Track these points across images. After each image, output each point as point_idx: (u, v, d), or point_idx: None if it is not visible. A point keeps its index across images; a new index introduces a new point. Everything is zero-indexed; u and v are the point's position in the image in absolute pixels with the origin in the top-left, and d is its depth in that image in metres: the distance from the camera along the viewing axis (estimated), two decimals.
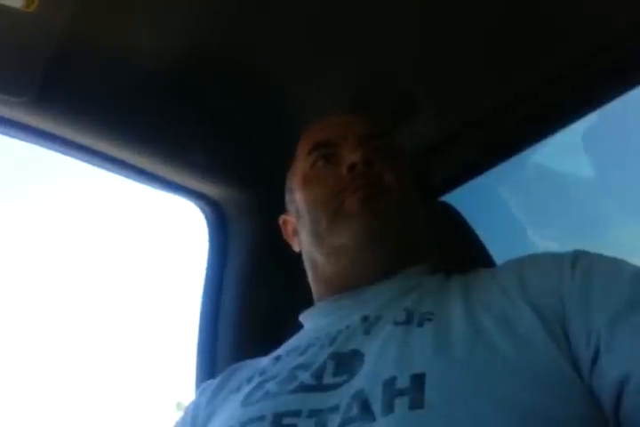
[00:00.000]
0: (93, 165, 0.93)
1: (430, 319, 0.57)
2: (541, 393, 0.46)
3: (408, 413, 0.45)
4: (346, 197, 0.69)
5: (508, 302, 0.55)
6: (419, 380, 0.48)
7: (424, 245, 0.75)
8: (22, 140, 0.85)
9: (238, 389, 0.64)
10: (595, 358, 0.47)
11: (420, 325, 0.56)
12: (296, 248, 0.81)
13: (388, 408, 0.47)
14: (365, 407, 0.48)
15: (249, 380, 0.64)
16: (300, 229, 0.77)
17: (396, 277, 0.68)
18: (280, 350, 0.69)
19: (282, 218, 0.84)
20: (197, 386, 0.93)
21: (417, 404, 0.46)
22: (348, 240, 0.68)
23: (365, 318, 0.62)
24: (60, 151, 0.88)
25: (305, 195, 0.74)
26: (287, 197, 0.82)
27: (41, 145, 0.86)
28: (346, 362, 0.55)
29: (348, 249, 0.68)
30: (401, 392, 0.47)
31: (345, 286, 0.70)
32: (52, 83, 0.79)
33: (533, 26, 0.86)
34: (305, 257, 0.78)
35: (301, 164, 0.78)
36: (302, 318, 0.75)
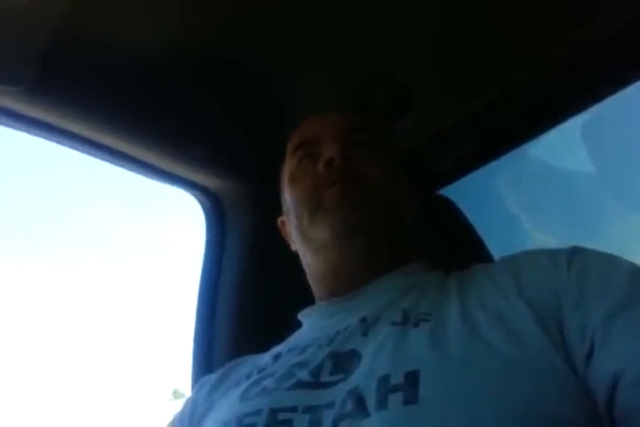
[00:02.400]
0: (91, 155, 0.92)
1: (427, 320, 0.57)
2: (536, 389, 0.46)
3: (401, 408, 0.46)
4: (324, 193, 0.69)
5: (503, 298, 0.56)
6: (413, 376, 0.48)
7: (415, 240, 0.75)
8: (19, 129, 0.84)
9: (237, 384, 0.65)
10: (589, 354, 0.48)
11: (417, 325, 0.56)
12: (293, 247, 0.81)
13: (382, 404, 0.47)
14: (360, 403, 0.48)
15: (248, 376, 0.65)
16: (290, 227, 0.77)
17: (392, 276, 0.68)
18: (280, 348, 0.70)
19: (280, 219, 0.84)
20: (194, 379, 0.94)
21: (410, 399, 0.46)
22: (327, 235, 0.68)
23: (364, 320, 0.63)
24: (56, 141, 0.88)
25: (290, 193, 0.75)
26: (281, 197, 0.83)
27: (38, 135, 0.86)
28: (343, 361, 0.56)
29: (329, 244, 0.68)
30: (395, 388, 0.48)
31: (339, 284, 0.70)
32: (49, 72, 0.79)
33: (532, 20, 0.86)
34: (301, 257, 0.78)
35: (288, 163, 0.78)
36: (301, 316, 0.75)
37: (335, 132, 0.75)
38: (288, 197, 0.76)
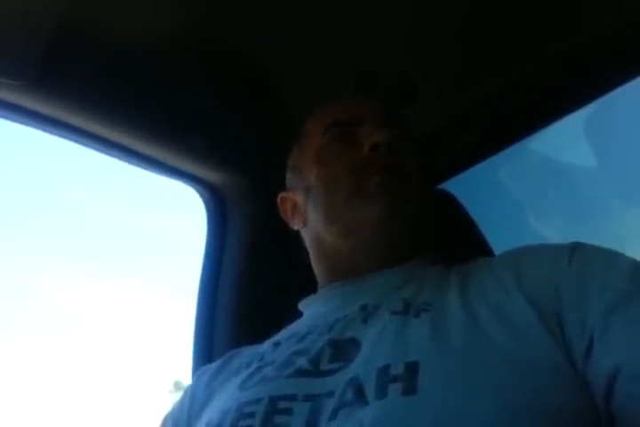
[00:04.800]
0: (92, 148, 0.92)
1: (427, 310, 0.57)
2: (535, 383, 0.46)
3: (400, 398, 0.46)
4: (367, 178, 0.68)
5: (503, 292, 0.56)
6: (412, 367, 0.48)
7: (429, 232, 0.75)
8: (21, 123, 0.84)
9: (237, 373, 0.65)
10: (589, 349, 0.48)
11: (417, 315, 0.57)
12: (295, 226, 0.79)
13: (381, 394, 0.47)
14: (359, 393, 0.49)
15: (247, 365, 0.65)
16: (310, 207, 0.75)
17: (398, 268, 0.68)
18: (279, 336, 0.70)
19: (280, 195, 0.82)
20: (194, 370, 0.94)
21: (410, 390, 0.46)
22: (367, 218, 0.67)
23: (364, 308, 0.63)
24: (58, 135, 0.88)
25: (320, 171, 0.73)
26: (290, 175, 0.81)
27: (40, 128, 0.86)
28: (342, 349, 0.56)
29: (365, 227, 0.68)
30: (394, 379, 0.48)
31: (349, 269, 0.70)
32: (51, 66, 0.78)
33: (535, 12, 0.86)
34: (310, 237, 0.77)
35: (314, 140, 0.76)
36: (301, 305, 0.75)
37: (378, 119, 0.74)
38: (316, 175, 0.73)
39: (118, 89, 0.88)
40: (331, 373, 0.53)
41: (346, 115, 0.76)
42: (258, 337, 0.73)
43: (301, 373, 0.55)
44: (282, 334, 0.70)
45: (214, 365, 0.72)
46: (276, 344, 0.67)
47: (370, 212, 0.67)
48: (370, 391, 0.48)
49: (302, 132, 0.81)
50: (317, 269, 0.76)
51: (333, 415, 0.48)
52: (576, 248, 0.57)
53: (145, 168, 1.00)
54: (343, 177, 0.70)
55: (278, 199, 0.82)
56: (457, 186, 1.07)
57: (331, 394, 0.50)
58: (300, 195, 0.77)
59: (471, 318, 0.53)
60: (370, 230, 0.68)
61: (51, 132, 0.87)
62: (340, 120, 0.75)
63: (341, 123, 0.75)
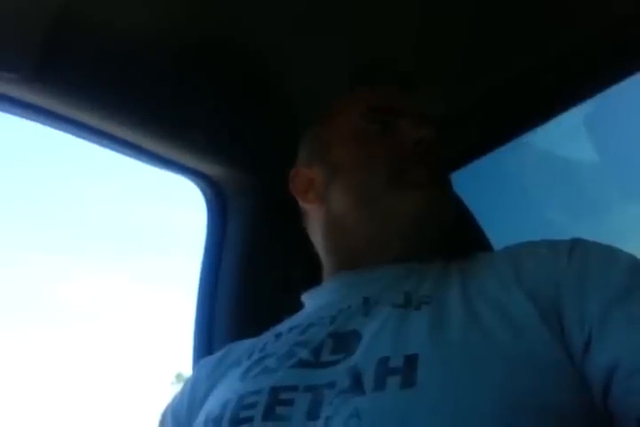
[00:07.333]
0: (91, 141, 0.92)
1: (427, 303, 0.57)
2: (533, 378, 0.46)
3: (399, 391, 0.46)
4: (410, 169, 0.68)
5: (503, 288, 0.56)
6: (412, 360, 0.49)
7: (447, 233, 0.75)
8: (18, 116, 0.84)
9: (238, 363, 0.65)
10: (587, 344, 0.48)
11: (418, 308, 0.57)
12: (306, 203, 0.77)
13: (380, 386, 0.47)
14: (357, 382, 0.49)
15: (249, 355, 0.65)
16: (335, 186, 0.72)
17: (404, 264, 0.68)
18: (281, 327, 0.70)
19: (295, 170, 0.79)
20: (194, 362, 0.95)
21: (408, 383, 0.47)
22: (406, 210, 0.67)
23: (366, 301, 0.63)
24: (57, 128, 0.88)
25: (357, 151, 0.72)
26: (310, 147, 0.79)
27: (37, 121, 0.85)
28: (344, 341, 0.56)
29: (401, 218, 0.67)
30: (393, 371, 0.48)
31: (362, 259, 0.70)
32: (48, 59, 0.78)
33: (537, 7, 0.85)
34: (326, 218, 0.74)
35: (351, 119, 0.74)
36: (304, 296, 0.75)
37: (422, 114, 0.74)
38: (348, 152, 0.72)
39: (119, 82, 0.88)
40: (332, 364, 0.54)
41: (387, 102, 0.74)
42: (257, 330, 0.74)
43: (303, 364, 0.55)
44: (283, 326, 0.70)
45: (215, 356, 0.72)
46: (278, 335, 0.66)
47: (411, 204, 0.67)
48: (368, 382, 0.48)
49: (334, 105, 0.79)
50: (327, 254, 0.75)
51: (330, 403, 0.48)
52: (576, 244, 0.58)
53: (145, 162, 1.00)
54: (384, 162, 0.69)
55: (291, 173, 0.79)
56: (457, 181, 1.07)
57: (331, 385, 0.50)
58: (320, 171, 0.75)
59: (471, 315, 0.53)
60: (405, 222, 0.67)
61: (49, 125, 0.87)
62: (382, 106, 0.74)
63: (383, 109, 0.73)
